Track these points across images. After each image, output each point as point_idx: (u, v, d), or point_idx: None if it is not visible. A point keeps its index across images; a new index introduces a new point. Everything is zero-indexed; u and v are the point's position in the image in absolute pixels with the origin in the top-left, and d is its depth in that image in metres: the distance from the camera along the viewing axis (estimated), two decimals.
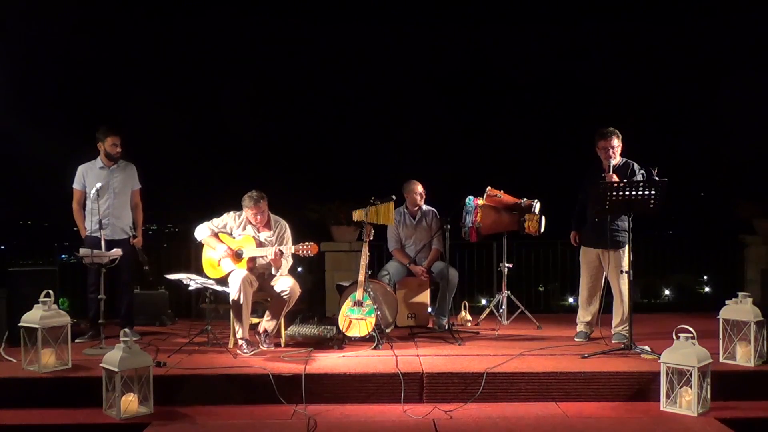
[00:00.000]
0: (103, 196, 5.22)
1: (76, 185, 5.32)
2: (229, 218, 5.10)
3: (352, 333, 4.96)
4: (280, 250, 4.83)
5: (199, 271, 5.11)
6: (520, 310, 5.98)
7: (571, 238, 5.37)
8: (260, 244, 4.96)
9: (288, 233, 5.11)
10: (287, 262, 4.99)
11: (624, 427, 3.62)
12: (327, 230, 7.07)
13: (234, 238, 5.04)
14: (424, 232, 5.96)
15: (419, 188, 5.91)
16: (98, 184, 5.08)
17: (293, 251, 4.87)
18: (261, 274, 5.01)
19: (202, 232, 5.05)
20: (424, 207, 6.02)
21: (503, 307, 5.94)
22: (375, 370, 4.17)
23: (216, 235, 5.03)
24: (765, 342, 4.32)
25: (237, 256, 4.93)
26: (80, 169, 5.33)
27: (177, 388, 4.04)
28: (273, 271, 5.00)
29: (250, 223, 5.04)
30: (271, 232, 5.06)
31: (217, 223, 5.08)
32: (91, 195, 5.09)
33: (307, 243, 4.85)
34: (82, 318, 5.47)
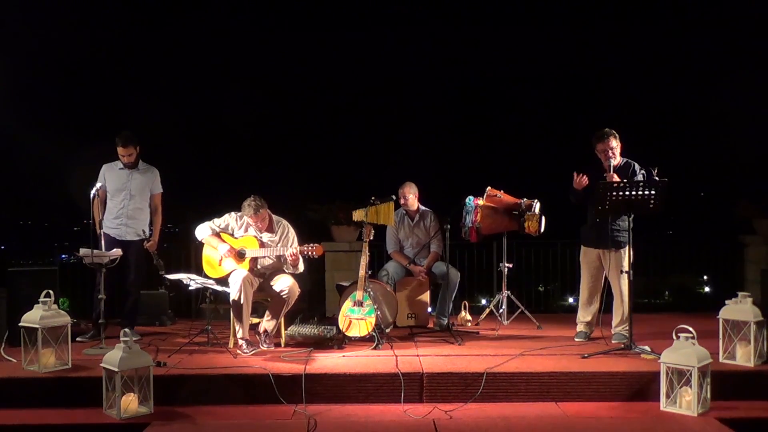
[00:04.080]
0: (119, 197, 5.28)
1: (98, 184, 5.32)
2: (230, 219, 5.09)
3: (352, 333, 4.96)
4: (293, 252, 4.81)
5: (199, 271, 5.11)
6: (520, 310, 5.98)
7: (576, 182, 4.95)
8: (262, 245, 4.96)
9: (291, 233, 5.08)
10: (302, 261, 4.98)
11: (624, 427, 3.62)
12: (327, 230, 7.07)
13: (236, 238, 5.04)
14: (422, 233, 5.96)
15: (405, 190, 5.86)
16: (98, 184, 5.09)
17: (298, 251, 4.86)
18: (261, 274, 5.01)
19: (203, 231, 5.04)
20: (422, 208, 6.01)
21: (503, 307, 5.93)
22: (375, 370, 4.17)
23: (217, 234, 5.03)
24: (765, 342, 4.31)
25: (239, 255, 4.93)
26: (102, 168, 5.38)
27: (177, 388, 4.04)
28: (288, 270, 4.98)
29: (251, 226, 5.04)
30: (274, 233, 5.05)
31: (218, 222, 5.08)
32: (91, 194, 5.08)
33: (312, 244, 4.84)
34: (82, 318, 5.47)
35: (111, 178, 5.31)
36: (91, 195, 5.07)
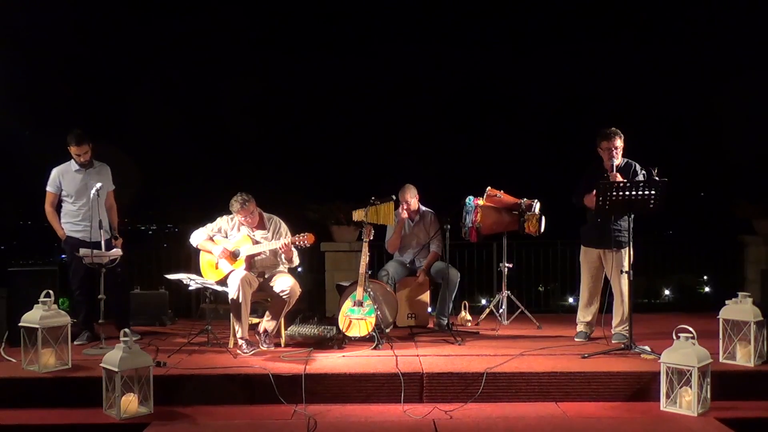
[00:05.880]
0: (82, 198, 5.16)
1: (50, 188, 5.22)
2: (222, 222, 5.12)
3: (352, 333, 4.96)
4: (285, 243, 4.83)
5: (198, 273, 5.11)
6: (520, 310, 5.98)
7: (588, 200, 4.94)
8: (257, 243, 4.97)
9: (284, 226, 5.11)
10: (296, 254, 4.99)
11: (624, 427, 3.62)
12: (327, 230, 7.07)
13: (230, 240, 5.05)
14: (422, 233, 5.96)
15: (406, 196, 5.82)
16: (98, 185, 5.00)
17: (291, 242, 4.86)
18: (261, 273, 5.01)
19: (197, 237, 5.07)
20: (423, 208, 6.01)
21: (503, 307, 5.93)
22: (375, 370, 4.17)
23: (212, 239, 5.05)
24: (765, 342, 4.32)
25: (233, 256, 4.94)
26: (55, 171, 5.22)
27: (177, 388, 4.04)
28: (282, 267, 5.01)
29: (243, 224, 5.05)
30: (266, 230, 5.07)
31: (211, 227, 5.12)
32: (91, 195, 5.02)
33: (303, 233, 4.84)
34: None
35: (67, 181, 5.17)
36: (93, 195, 5.01)
